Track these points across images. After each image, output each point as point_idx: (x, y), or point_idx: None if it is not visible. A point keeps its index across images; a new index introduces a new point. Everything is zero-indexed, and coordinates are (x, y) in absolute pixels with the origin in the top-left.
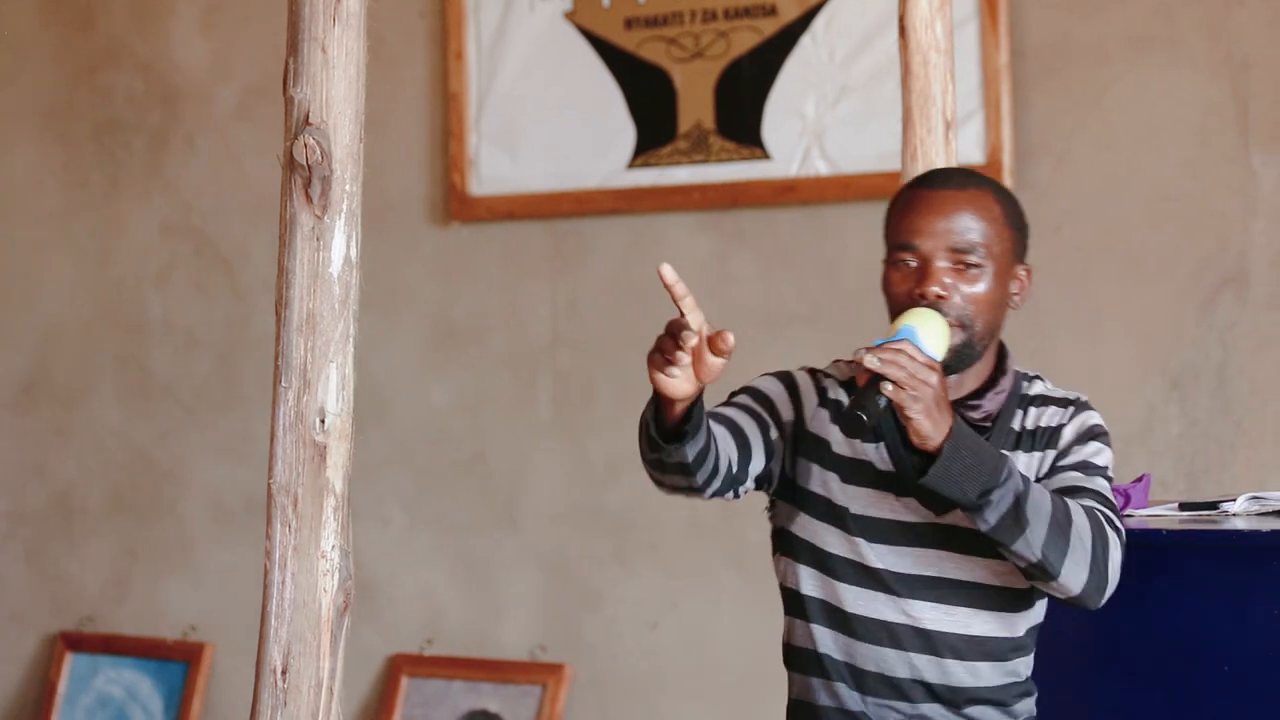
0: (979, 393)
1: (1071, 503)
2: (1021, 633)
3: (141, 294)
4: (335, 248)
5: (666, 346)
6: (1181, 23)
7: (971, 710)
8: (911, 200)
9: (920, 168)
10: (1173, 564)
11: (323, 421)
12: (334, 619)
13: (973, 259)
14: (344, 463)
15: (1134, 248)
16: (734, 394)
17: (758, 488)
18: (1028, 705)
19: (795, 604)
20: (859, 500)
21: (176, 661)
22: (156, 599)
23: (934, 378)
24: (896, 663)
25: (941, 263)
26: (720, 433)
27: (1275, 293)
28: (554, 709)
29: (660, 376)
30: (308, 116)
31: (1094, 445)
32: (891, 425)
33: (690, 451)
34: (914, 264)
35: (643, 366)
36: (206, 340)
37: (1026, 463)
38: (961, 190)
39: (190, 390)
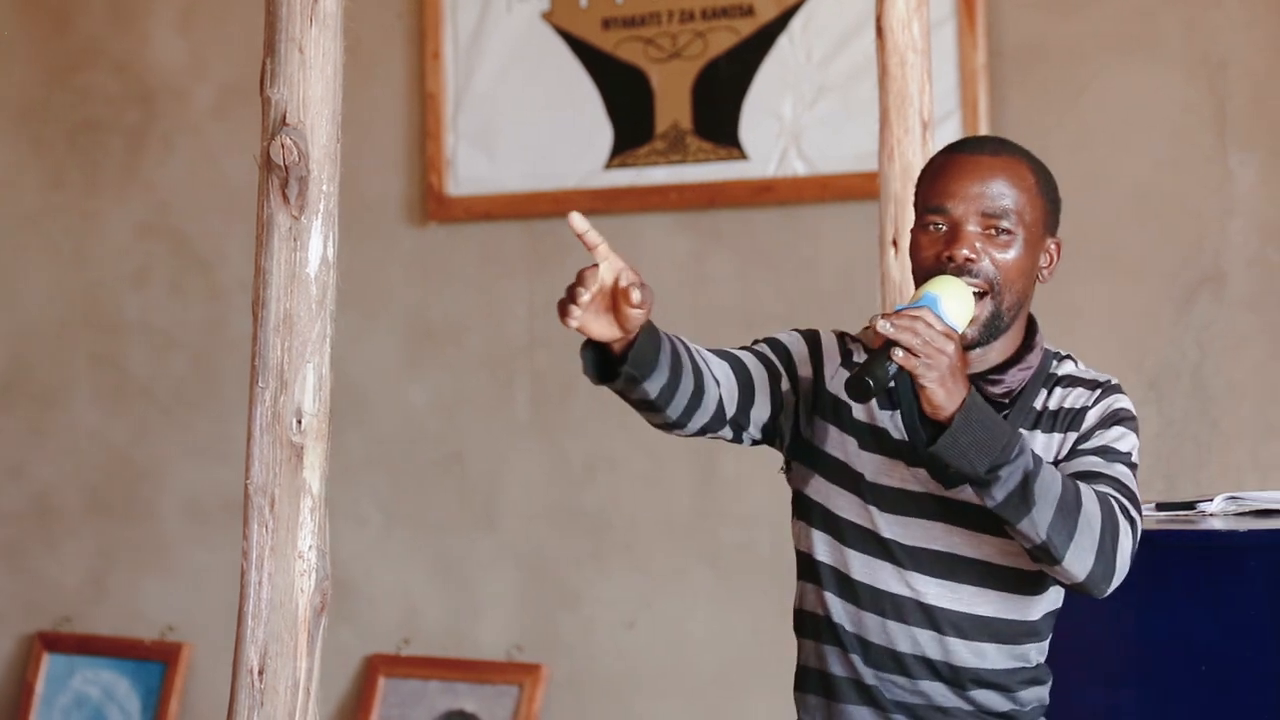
0: (1002, 367)
1: (1084, 487)
2: (1035, 617)
3: (118, 294)
4: (312, 248)
5: (567, 295)
6: (1159, 23)
7: (974, 692)
8: (945, 164)
9: (897, 169)
10: (1150, 564)
11: (299, 422)
12: (311, 619)
13: (1004, 225)
14: (321, 463)
15: (1111, 247)
16: (755, 341)
17: (767, 441)
18: (1037, 693)
19: (808, 569)
20: (873, 467)
21: (154, 662)
22: (134, 599)
23: (950, 346)
24: (899, 636)
25: (972, 227)
26: (721, 369)
27: (1252, 292)
28: (531, 709)
29: (573, 321)
30: (285, 117)
31: (1118, 430)
32: (908, 394)
33: (652, 388)
34: (944, 228)
35: None
36: (183, 340)
37: (1045, 444)
38: (996, 156)
39: (167, 390)
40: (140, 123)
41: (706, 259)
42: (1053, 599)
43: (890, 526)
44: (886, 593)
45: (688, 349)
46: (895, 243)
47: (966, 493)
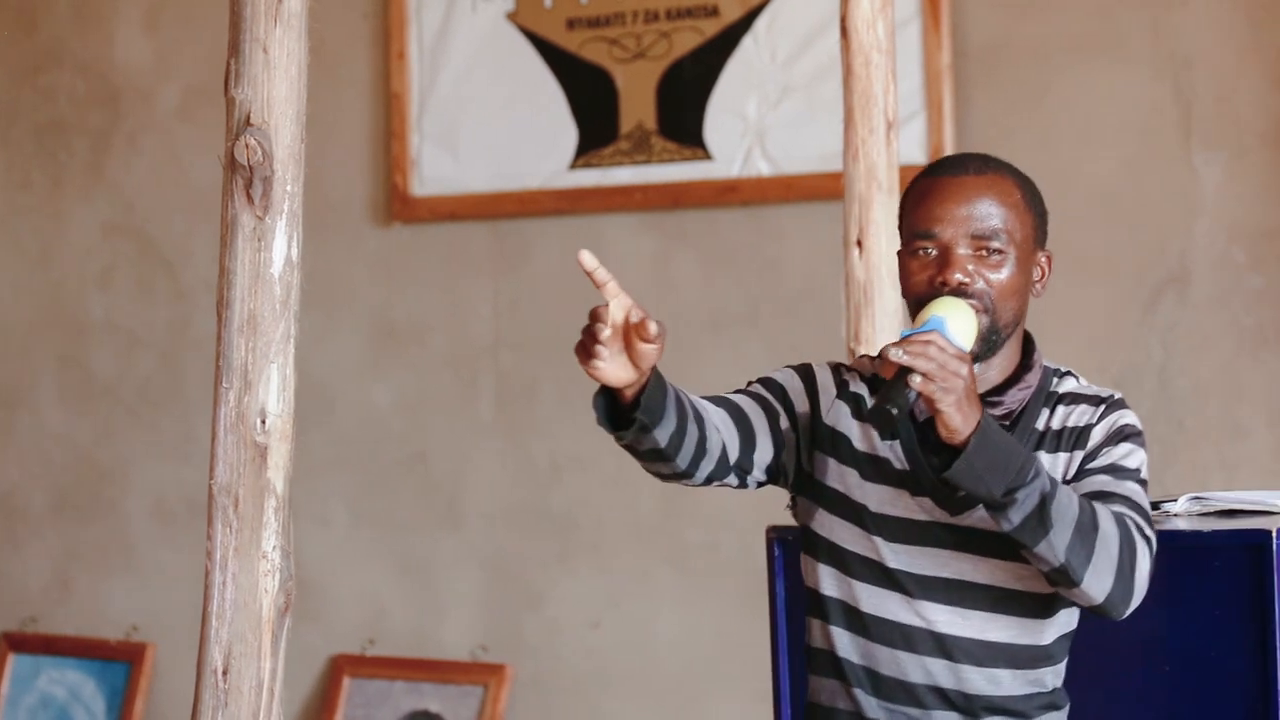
0: (1001, 388)
1: (1100, 508)
2: (1047, 641)
3: (83, 294)
4: (276, 248)
5: (587, 337)
6: (1123, 22)
7: (986, 719)
8: (929, 188)
9: (862, 169)
10: None
11: (264, 422)
12: (275, 619)
13: (995, 245)
14: (285, 463)
15: (1076, 248)
16: (749, 383)
17: (771, 481)
18: (1054, 718)
19: (815, 604)
20: (876, 497)
21: (119, 662)
22: (99, 599)
23: (964, 369)
24: (911, 666)
25: (963, 249)
26: (719, 416)
27: (1217, 293)
28: (495, 709)
29: (592, 365)
30: (249, 117)
31: (1125, 446)
32: (907, 423)
33: (661, 436)
34: (934, 253)
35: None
36: (148, 340)
37: (1051, 464)
38: (980, 175)
39: (132, 390)
40: (105, 123)
41: (671, 259)
42: (1065, 621)
43: (897, 556)
44: (896, 623)
45: (688, 398)
46: (860, 243)
47: (972, 519)
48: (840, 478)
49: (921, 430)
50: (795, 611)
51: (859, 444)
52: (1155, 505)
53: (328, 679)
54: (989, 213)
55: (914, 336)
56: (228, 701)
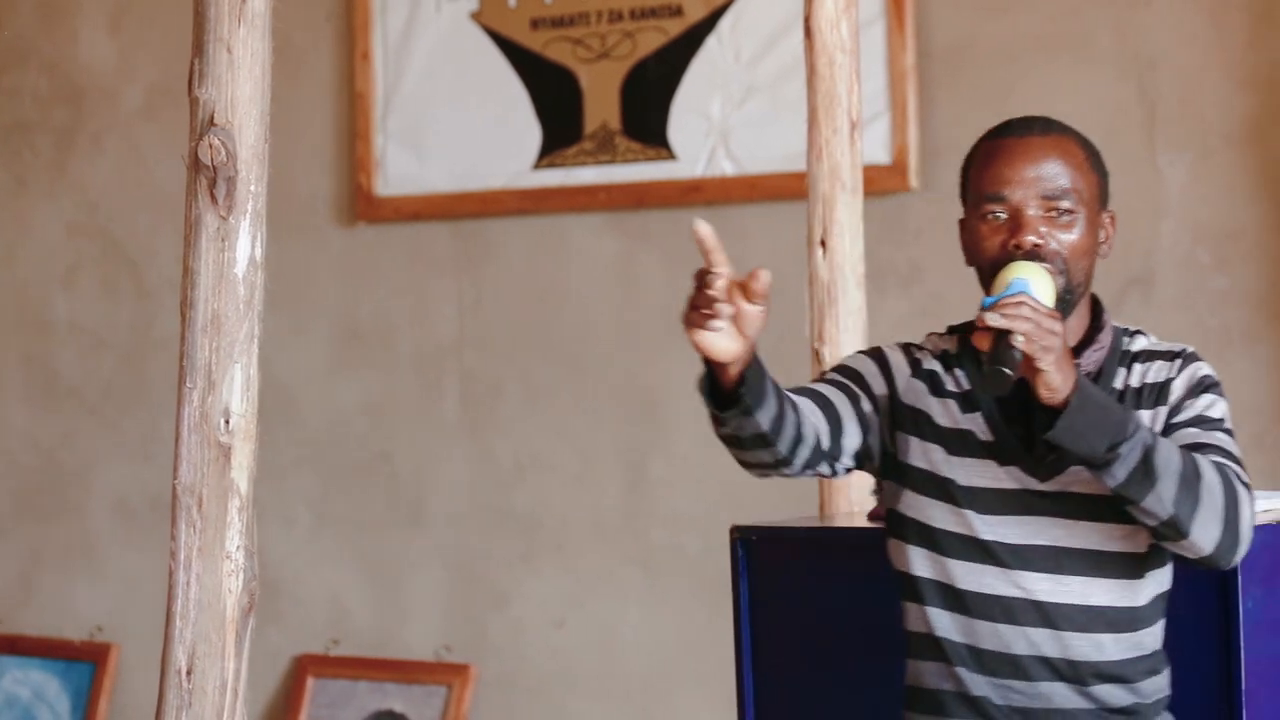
0: (1076, 350)
1: (1200, 458)
2: (1144, 601)
3: (47, 294)
4: (240, 248)
5: (701, 300)
6: (1088, 22)
7: (1095, 688)
8: (996, 150)
9: (825, 168)
10: None
11: (227, 422)
12: (239, 619)
13: (1064, 205)
14: (249, 463)
15: None
16: (823, 373)
17: (859, 466)
18: (1157, 684)
19: (909, 587)
20: (964, 471)
21: (83, 662)
22: (63, 600)
23: (1059, 326)
24: (1014, 638)
25: (1033, 211)
26: (805, 405)
27: (1181, 294)
28: (460, 709)
29: (703, 335)
30: (213, 117)
31: (1207, 398)
32: (989, 394)
33: (764, 419)
34: (1004, 215)
35: (547, 366)
36: (112, 340)
37: None
38: (1045, 136)
39: (96, 390)
40: (69, 123)
41: (635, 259)
42: (1160, 580)
43: (990, 528)
44: (995, 597)
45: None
46: (823, 243)
47: (1062, 483)
48: (925, 455)
49: (1000, 400)
50: (758, 610)
51: (941, 419)
52: None
53: (292, 679)
54: (1057, 173)
55: (1005, 299)
56: (192, 701)
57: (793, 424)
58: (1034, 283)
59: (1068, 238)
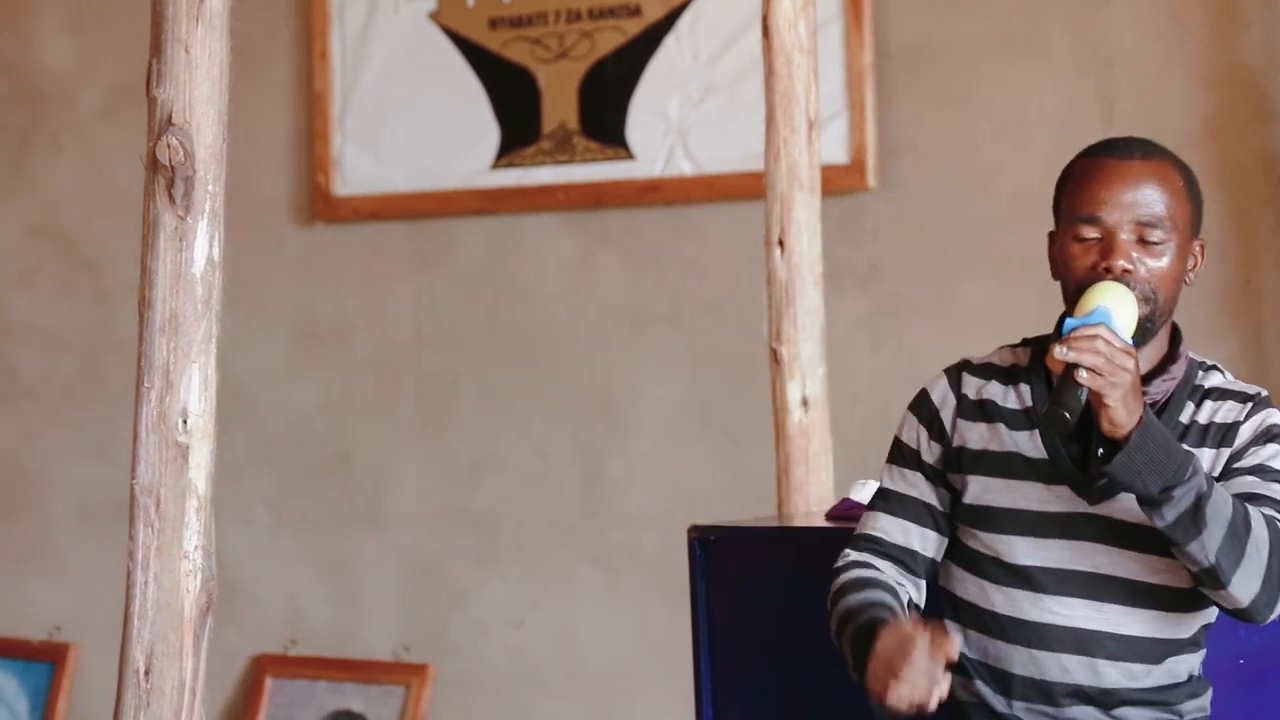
0: (1146, 378)
1: (1253, 510)
2: (1187, 635)
3: (5, 295)
4: (198, 248)
5: (894, 675)
6: (1046, 21)
7: (1121, 711)
8: (1095, 169)
9: (783, 168)
10: None
11: (185, 422)
12: (197, 619)
13: (1157, 234)
14: (206, 463)
15: (998, 247)
16: (883, 479)
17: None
18: (1198, 704)
19: (950, 606)
20: (1008, 494)
21: (42, 662)
22: (21, 599)
23: (1131, 363)
24: (1048, 664)
25: (1126, 235)
26: (892, 572)
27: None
28: (418, 709)
29: (892, 696)
30: (171, 117)
31: (1273, 447)
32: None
33: None
34: (1096, 236)
35: (505, 366)
36: (70, 341)
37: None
38: (1146, 160)
39: (54, 391)
40: (28, 123)
41: (593, 259)
42: (1209, 613)
43: (1029, 552)
44: (1030, 622)
45: (892, 602)
46: (781, 242)
47: (1111, 509)
48: (977, 488)
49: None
50: (716, 610)
51: (988, 444)
52: None
53: (250, 679)
54: (1154, 199)
55: (1080, 330)
56: (150, 701)
57: (906, 599)
58: (1117, 308)
59: (1157, 265)
